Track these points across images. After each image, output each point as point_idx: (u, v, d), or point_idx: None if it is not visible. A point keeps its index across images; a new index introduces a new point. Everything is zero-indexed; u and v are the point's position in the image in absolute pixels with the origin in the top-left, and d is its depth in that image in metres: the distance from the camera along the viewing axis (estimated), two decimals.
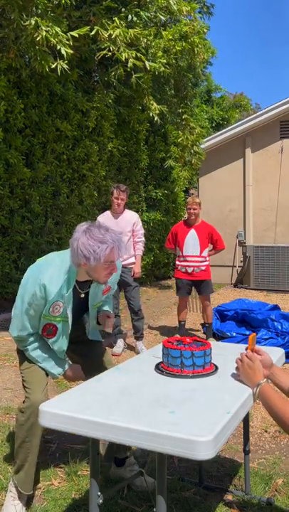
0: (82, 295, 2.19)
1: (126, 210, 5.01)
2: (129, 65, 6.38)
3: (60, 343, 2.19)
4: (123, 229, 4.83)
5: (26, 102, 6.70)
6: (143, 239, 5.06)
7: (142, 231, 5.05)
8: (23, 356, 2.28)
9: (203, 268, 5.27)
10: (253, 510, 2.20)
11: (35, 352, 2.19)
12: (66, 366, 2.26)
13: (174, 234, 5.42)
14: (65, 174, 7.57)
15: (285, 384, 1.76)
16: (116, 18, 6.18)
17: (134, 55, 6.30)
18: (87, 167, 7.95)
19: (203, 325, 5.64)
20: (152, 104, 7.54)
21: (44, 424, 1.56)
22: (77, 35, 5.56)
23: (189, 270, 5.23)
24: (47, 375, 2.26)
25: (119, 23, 6.15)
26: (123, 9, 6.55)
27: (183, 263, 5.28)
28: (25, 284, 2.11)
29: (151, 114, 7.64)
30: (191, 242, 5.25)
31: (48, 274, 2.05)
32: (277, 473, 2.54)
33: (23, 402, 2.19)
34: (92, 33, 6.05)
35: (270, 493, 2.35)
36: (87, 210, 8.09)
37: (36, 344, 2.19)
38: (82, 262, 1.96)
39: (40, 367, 2.23)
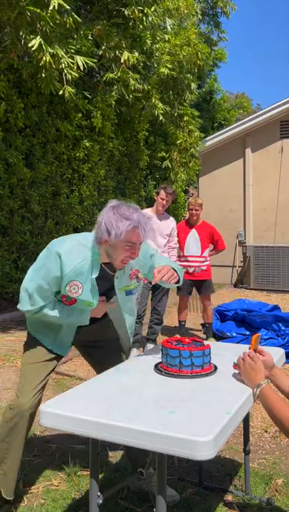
0: (117, 277, 2.05)
1: (166, 213, 5.08)
2: (129, 89, 6.67)
3: (83, 306, 2.02)
4: (163, 231, 4.91)
5: (26, 102, 6.70)
6: (177, 245, 5.15)
7: (177, 238, 5.14)
8: (27, 347, 2.14)
9: (204, 268, 5.29)
10: (252, 511, 2.19)
11: (53, 312, 2.01)
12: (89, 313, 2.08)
13: None
14: (65, 174, 7.57)
15: (285, 386, 1.76)
16: (122, 40, 6.30)
17: (135, 78, 6.59)
18: (87, 167, 7.95)
19: (203, 325, 5.64)
20: (158, 104, 7.68)
21: (44, 425, 1.56)
22: (81, 63, 5.66)
23: (190, 270, 5.23)
24: (52, 369, 2.11)
25: (126, 44, 6.32)
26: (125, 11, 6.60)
27: (184, 263, 5.28)
28: (39, 258, 2.00)
29: (156, 113, 7.74)
30: (193, 242, 5.27)
31: (65, 246, 1.93)
32: (277, 474, 2.54)
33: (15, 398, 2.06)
34: (100, 52, 6.23)
35: (270, 494, 2.35)
36: (87, 210, 8.09)
37: (52, 305, 2.01)
38: (104, 238, 1.87)
39: (45, 347, 2.08)
